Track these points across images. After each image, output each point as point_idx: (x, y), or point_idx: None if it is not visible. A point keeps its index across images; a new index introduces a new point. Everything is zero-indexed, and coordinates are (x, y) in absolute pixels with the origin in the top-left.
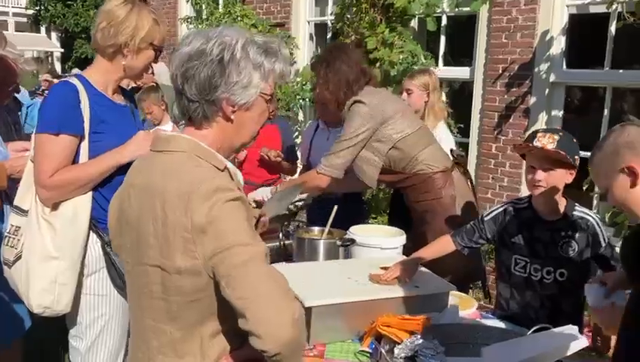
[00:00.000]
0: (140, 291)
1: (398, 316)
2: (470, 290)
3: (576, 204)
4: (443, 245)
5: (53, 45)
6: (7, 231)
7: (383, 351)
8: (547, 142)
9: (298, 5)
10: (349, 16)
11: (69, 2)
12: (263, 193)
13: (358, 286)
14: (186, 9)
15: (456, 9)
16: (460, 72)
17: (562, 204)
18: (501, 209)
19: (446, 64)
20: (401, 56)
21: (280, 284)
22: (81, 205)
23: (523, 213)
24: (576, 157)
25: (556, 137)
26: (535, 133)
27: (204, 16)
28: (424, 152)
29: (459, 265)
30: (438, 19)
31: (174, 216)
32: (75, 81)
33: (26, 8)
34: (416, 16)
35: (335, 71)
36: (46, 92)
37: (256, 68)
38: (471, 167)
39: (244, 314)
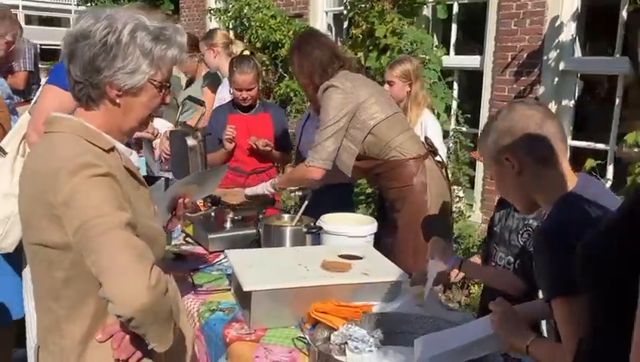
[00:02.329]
0: (32, 270)
1: (335, 302)
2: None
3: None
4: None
5: None
6: None
7: (308, 337)
8: None
9: None
10: (362, 5)
11: None
12: (264, 188)
13: (306, 272)
14: (213, 0)
15: None
16: (471, 61)
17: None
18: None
19: (457, 53)
20: (410, 44)
21: (137, 252)
22: None
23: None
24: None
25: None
26: None
27: (230, 7)
28: (397, 139)
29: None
30: (450, 7)
31: (46, 195)
32: None
33: (78, 5)
34: (428, 5)
35: (307, 55)
36: None
37: (145, 54)
38: None
39: (100, 281)
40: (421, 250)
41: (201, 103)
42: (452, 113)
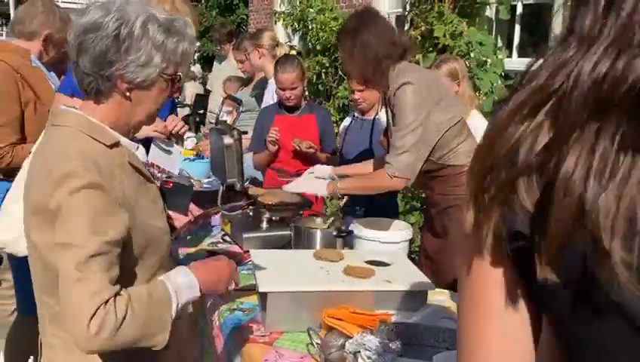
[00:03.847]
0: (30, 264)
1: (350, 309)
2: None
3: None
4: None
5: None
6: None
7: (316, 344)
8: None
9: None
10: (422, 6)
11: (193, 3)
12: (317, 189)
13: (326, 276)
14: (279, 3)
15: None
16: None
17: None
18: None
19: (520, 55)
20: (469, 45)
21: (89, 290)
22: None
23: None
24: None
25: None
26: None
27: (293, 9)
28: (463, 145)
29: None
30: (513, 8)
31: (38, 196)
32: None
33: None
34: (491, 6)
35: (362, 44)
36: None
37: (158, 47)
38: None
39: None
40: None
41: (239, 102)
42: None
